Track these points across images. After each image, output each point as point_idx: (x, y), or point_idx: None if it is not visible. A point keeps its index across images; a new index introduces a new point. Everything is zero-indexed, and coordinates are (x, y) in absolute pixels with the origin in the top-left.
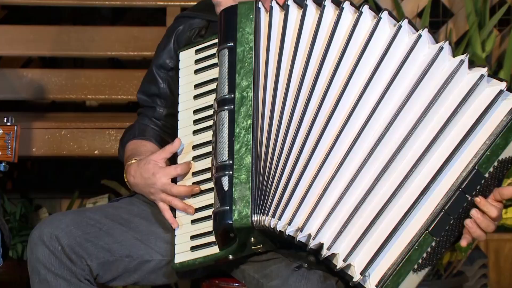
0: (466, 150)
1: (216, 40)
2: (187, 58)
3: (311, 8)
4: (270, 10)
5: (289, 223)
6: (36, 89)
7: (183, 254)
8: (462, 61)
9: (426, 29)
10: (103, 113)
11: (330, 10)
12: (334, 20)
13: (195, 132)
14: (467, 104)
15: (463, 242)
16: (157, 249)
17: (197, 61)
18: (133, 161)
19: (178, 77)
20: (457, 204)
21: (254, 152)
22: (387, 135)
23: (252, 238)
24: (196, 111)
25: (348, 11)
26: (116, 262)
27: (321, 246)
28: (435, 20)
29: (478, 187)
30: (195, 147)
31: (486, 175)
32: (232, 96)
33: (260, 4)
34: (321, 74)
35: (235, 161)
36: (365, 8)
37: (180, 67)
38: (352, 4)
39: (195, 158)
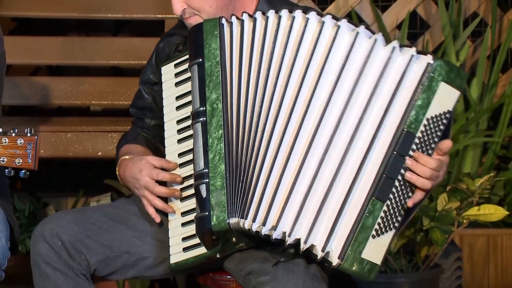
0: (392, 116)
1: None
2: (168, 72)
3: (271, 19)
4: (230, 26)
5: (263, 223)
6: (43, 95)
7: (177, 255)
8: (375, 41)
9: (362, 26)
10: (106, 118)
11: (284, 19)
12: (287, 31)
13: (179, 141)
14: (386, 76)
15: (409, 203)
16: (154, 246)
17: (177, 74)
18: (126, 157)
19: (162, 91)
20: (396, 166)
21: (227, 160)
22: (338, 130)
23: (234, 238)
24: (179, 121)
25: (306, 20)
26: (115, 258)
27: (298, 241)
28: (413, 31)
29: (413, 147)
30: (180, 155)
31: (418, 134)
32: (204, 108)
33: (223, 21)
34: (278, 81)
35: (210, 169)
36: (327, 18)
37: (163, 81)
38: (302, 12)
39: (181, 165)
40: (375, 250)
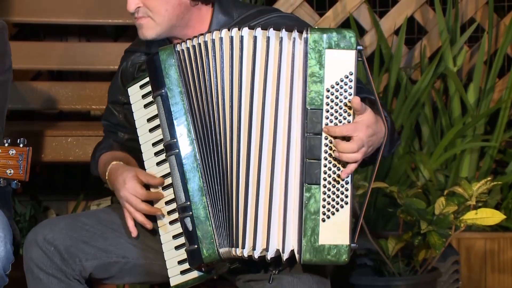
0: (295, 102)
1: None
2: (135, 93)
3: (224, 40)
4: (186, 52)
5: (253, 248)
6: (45, 100)
7: (175, 277)
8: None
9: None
10: None
11: (227, 40)
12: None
13: (158, 163)
14: (282, 66)
15: (342, 175)
16: (150, 253)
17: (144, 96)
18: (116, 163)
19: (132, 112)
20: (314, 146)
21: (206, 190)
22: (276, 132)
23: (227, 262)
24: (154, 144)
25: (241, 38)
26: (112, 263)
27: (294, 252)
28: (410, 37)
29: (326, 122)
30: (162, 177)
31: (324, 107)
32: (175, 140)
33: (177, 48)
34: (241, 103)
35: (192, 201)
36: (258, 32)
37: (131, 102)
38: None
39: (164, 188)
40: (335, 232)
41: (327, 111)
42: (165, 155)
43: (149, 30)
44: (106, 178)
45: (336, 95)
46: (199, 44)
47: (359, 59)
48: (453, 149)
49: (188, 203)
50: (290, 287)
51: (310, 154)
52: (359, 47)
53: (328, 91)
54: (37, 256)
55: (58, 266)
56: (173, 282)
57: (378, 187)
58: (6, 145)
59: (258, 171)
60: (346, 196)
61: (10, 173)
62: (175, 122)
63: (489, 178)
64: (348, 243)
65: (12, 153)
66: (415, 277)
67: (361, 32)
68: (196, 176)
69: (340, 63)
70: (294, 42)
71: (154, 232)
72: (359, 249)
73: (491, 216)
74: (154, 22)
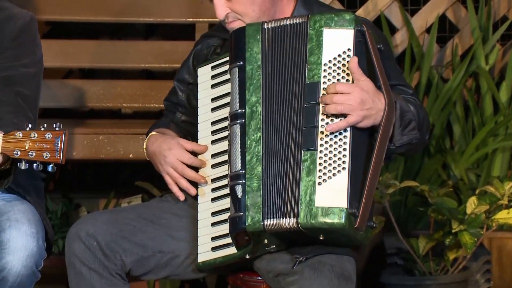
0: (295, 76)
1: (229, 57)
2: (204, 74)
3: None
4: (272, 31)
5: (297, 217)
6: (76, 98)
7: (205, 254)
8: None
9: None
10: (137, 120)
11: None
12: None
13: (213, 142)
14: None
15: (327, 127)
16: (186, 244)
17: (213, 77)
18: (155, 133)
19: (198, 92)
20: (311, 115)
21: (264, 162)
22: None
23: (266, 240)
24: (213, 123)
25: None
26: (149, 258)
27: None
28: (442, 35)
29: (321, 93)
30: (213, 155)
31: (321, 79)
32: (243, 111)
33: (265, 25)
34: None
35: (247, 170)
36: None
37: (199, 82)
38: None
39: (214, 166)
40: (331, 195)
41: (324, 83)
42: (229, 124)
43: None
44: (144, 148)
45: (333, 69)
46: (285, 26)
47: (360, 39)
48: (485, 148)
49: (243, 171)
50: (311, 279)
51: (307, 122)
52: (358, 27)
53: (325, 65)
54: (80, 250)
55: (100, 261)
56: (201, 258)
57: (409, 186)
58: (42, 129)
59: (293, 141)
60: (344, 162)
61: (46, 157)
62: (247, 93)
63: None
64: (345, 206)
65: (48, 137)
66: (445, 277)
67: (392, 30)
68: (256, 148)
69: (339, 41)
70: (299, 26)
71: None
72: (389, 248)
73: None
74: (244, 23)
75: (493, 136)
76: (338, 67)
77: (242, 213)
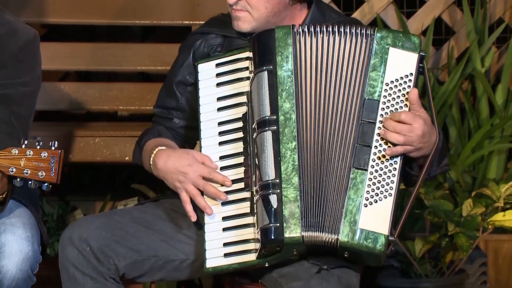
0: (352, 91)
1: (237, 56)
2: (207, 70)
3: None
4: (303, 35)
5: (337, 233)
6: (72, 101)
7: (215, 259)
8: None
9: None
10: (134, 123)
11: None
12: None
13: (221, 143)
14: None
15: (387, 151)
16: (181, 249)
17: (218, 75)
18: (163, 148)
19: (198, 89)
20: (367, 133)
21: (301, 172)
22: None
23: (295, 251)
24: (221, 123)
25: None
26: (143, 261)
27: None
28: (438, 37)
29: (380, 112)
30: (222, 157)
31: (382, 99)
32: (275, 117)
33: (295, 29)
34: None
35: (283, 180)
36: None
37: (199, 79)
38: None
39: (222, 168)
40: (376, 220)
41: (383, 103)
42: (257, 130)
43: (245, 23)
44: (151, 163)
45: (394, 91)
46: (319, 31)
47: (421, 64)
48: (481, 151)
49: (278, 180)
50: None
51: (361, 140)
52: (422, 53)
53: (387, 85)
54: (73, 255)
55: (94, 266)
56: (210, 263)
57: (405, 188)
58: (38, 147)
59: (341, 155)
60: (391, 188)
61: (41, 176)
62: (279, 99)
63: None
64: (387, 233)
65: (44, 156)
66: (442, 279)
67: None
68: (291, 157)
69: (403, 63)
70: (363, 37)
71: (186, 225)
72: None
73: None
74: (251, 17)
75: (489, 138)
76: (399, 90)
77: (278, 224)
